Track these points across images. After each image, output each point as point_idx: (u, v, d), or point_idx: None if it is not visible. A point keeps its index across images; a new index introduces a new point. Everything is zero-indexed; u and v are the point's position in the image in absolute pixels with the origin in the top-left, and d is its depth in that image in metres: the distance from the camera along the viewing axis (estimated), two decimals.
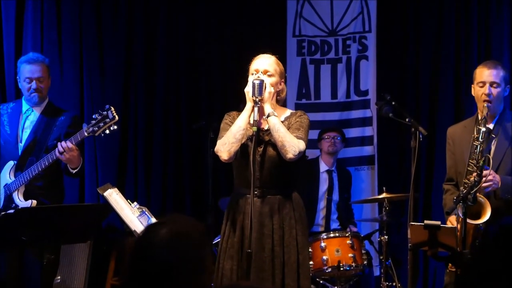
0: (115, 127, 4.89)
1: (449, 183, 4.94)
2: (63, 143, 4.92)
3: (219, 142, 4.41)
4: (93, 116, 4.91)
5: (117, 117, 4.87)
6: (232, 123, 4.45)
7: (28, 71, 5.24)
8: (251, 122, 4.33)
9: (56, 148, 4.95)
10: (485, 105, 4.67)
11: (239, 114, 4.51)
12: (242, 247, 4.36)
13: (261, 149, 4.39)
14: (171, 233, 2.16)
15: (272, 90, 4.41)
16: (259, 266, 4.30)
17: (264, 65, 4.48)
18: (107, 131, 4.89)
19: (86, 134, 4.89)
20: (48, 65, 5.36)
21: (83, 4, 6.91)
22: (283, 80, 4.57)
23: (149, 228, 2.24)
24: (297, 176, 4.58)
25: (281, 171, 4.41)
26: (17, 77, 5.37)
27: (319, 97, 7.43)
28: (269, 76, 4.45)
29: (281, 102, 4.61)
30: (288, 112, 4.57)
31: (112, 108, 4.87)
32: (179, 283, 2.13)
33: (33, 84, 5.22)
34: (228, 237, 4.43)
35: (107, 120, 4.85)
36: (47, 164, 4.99)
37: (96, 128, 4.86)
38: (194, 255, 2.16)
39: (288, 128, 4.37)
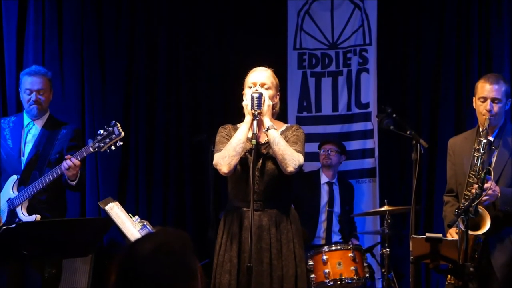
0: (121, 143, 4.87)
1: (449, 195, 4.94)
2: (68, 161, 4.89)
3: (217, 155, 4.39)
4: (98, 132, 4.88)
5: (123, 134, 4.83)
6: (229, 136, 4.44)
7: (29, 83, 5.25)
8: (250, 135, 4.33)
9: (62, 164, 4.94)
10: (487, 117, 4.67)
11: (234, 127, 4.51)
12: (240, 261, 4.34)
13: (260, 162, 4.38)
14: (153, 246, 2.16)
15: (271, 103, 4.41)
16: (257, 280, 4.27)
17: (261, 78, 4.48)
18: (113, 147, 4.86)
19: (91, 150, 4.87)
20: (50, 78, 5.37)
21: (84, 18, 6.93)
22: (278, 93, 4.57)
23: (131, 245, 2.23)
24: (292, 189, 4.58)
25: (279, 184, 4.40)
26: (19, 89, 5.39)
27: (320, 109, 7.44)
28: (267, 89, 4.45)
29: (275, 115, 4.60)
30: (283, 126, 4.57)
31: (118, 124, 4.84)
32: None
33: (33, 96, 5.23)
34: (225, 251, 4.40)
35: (113, 136, 4.82)
36: (51, 179, 4.97)
37: (102, 144, 4.83)
38: (179, 263, 2.16)
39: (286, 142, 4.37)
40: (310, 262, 5.85)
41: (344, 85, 7.39)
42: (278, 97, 4.57)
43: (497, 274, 4.56)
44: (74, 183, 5.09)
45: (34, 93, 5.24)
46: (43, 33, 6.76)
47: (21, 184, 5.12)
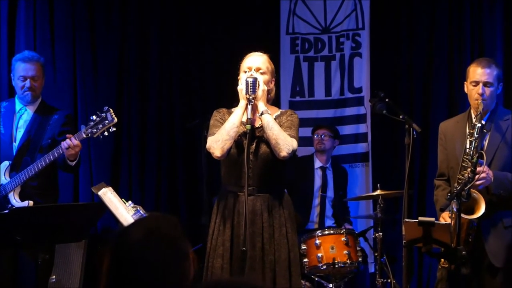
0: (114, 129, 4.86)
1: (441, 179, 4.94)
2: (68, 140, 4.86)
3: (211, 139, 4.39)
4: (91, 118, 4.87)
5: (116, 119, 4.82)
6: (222, 119, 4.44)
7: (23, 69, 5.23)
8: (245, 120, 4.33)
9: (53, 150, 4.92)
10: (479, 101, 4.67)
11: (229, 111, 4.50)
12: (233, 245, 4.35)
13: (253, 147, 4.38)
14: (143, 231, 2.17)
15: (265, 88, 4.41)
16: (250, 264, 4.28)
17: (257, 63, 4.48)
18: (106, 133, 4.86)
19: (84, 135, 4.87)
20: (43, 64, 5.35)
21: (75, 4, 6.90)
22: (273, 79, 4.56)
23: (121, 231, 2.23)
24: (286, 174, 4.58)
25: (272, 169, 4.40)
26: (11, 75, 5.37)
27: (313, 94, 7.44)
28: (262, 74, 4.45)
29: (271, 101, 4.61)
30: (278, 111, 4.56)
31: (111, 110, 4.83)
32: (162, 277, 2.14)
33: (27, 83, 5.21)
34: (218, 235, 4.40)
35: (106, 122, 4.82)
36: (44, 164, 4.96)
37: (95, 130, 4.82)
38: (170, 248, 2.17)
39: (280, 127, 4.37)
40: (303, 247, 5.87)
41: (337, 70, 7.38)
42: (273, 82, 4.56)
43: (490, 258, 4.58)
44: (73, 163, 5.08)
45: (28, 79, 5.22)
46: (34, 20, 6.72)
47: (13, 170, 5.12)
